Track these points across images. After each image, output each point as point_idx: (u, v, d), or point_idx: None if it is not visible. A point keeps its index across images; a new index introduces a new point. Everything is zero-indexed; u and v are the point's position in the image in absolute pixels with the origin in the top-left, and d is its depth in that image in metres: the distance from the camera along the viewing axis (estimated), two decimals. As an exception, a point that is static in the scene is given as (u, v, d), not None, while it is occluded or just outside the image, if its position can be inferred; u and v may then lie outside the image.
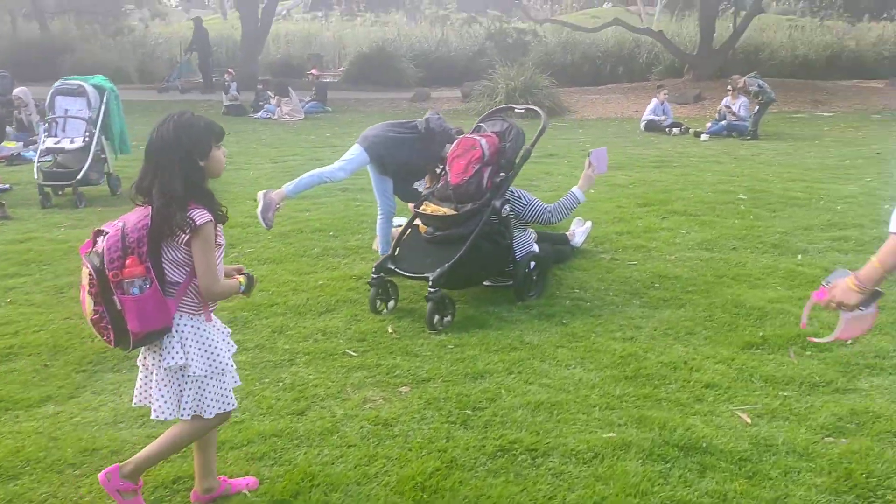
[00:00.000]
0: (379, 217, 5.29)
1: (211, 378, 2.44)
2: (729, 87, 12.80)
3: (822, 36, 23.63)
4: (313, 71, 16.41)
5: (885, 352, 3.77)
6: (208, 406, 2.44)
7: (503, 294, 4.67)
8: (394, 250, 4.59)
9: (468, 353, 3.85)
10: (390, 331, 4.16)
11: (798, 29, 24.94)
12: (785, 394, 3.37)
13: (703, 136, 12.22)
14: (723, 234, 6.01)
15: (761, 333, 4.02)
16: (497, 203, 4.42)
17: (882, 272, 1.95)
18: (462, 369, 3.66)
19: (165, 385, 2.41)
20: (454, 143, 4.64)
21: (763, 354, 3.80)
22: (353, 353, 3.87)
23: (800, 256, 5.38)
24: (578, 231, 5.65)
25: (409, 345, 3.98)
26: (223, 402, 2.48)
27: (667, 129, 13.10)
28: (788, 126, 13.85)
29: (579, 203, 4.79)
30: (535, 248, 4.87)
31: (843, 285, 2.04)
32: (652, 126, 13.30)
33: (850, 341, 3.84)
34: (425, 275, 4.23)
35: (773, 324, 4.16)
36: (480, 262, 4.46)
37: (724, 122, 12.45)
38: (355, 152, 4.94)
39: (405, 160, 4.96)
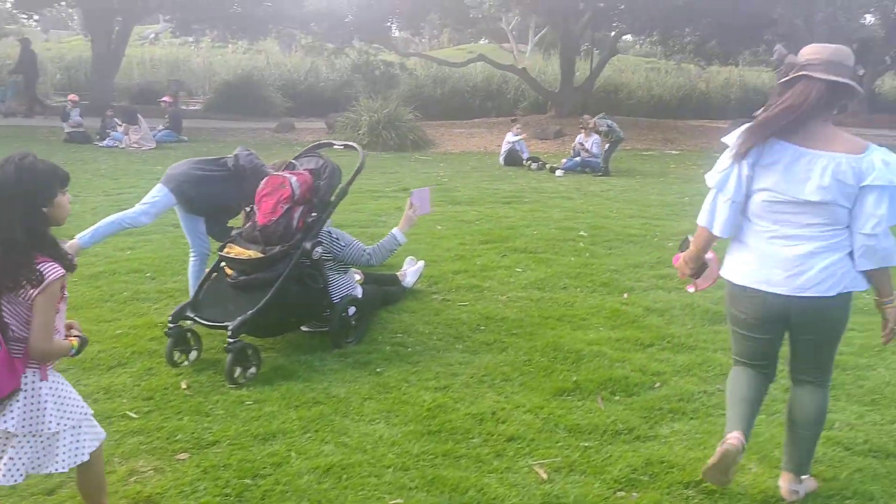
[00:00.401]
0: (191, 258, 4.89)
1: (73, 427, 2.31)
2: (581, 126, 13.22)
3: (676, 78, 25.16)
4: (166, 98, 15.55)
5: (689, 395, 3.78)
6: (80, 452, 2.35)
7: (320, 340, 4.40)
8: (196, 296, 4.22)
9: (266, 410, 3.54)
10: (184, 387, 3.78)
11: (655, 71, 26.49)
12: (586, 444, 3.27)
13: (558, 172, 12.52)
14: (558, 272, 6.01)
15: (574, 378, 3.94)
16: (308, 245, 4.16)
17: (695, 252, 2.73)
18: (254, 429, 3.35)
19: (14, 447, 2.22)
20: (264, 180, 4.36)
21: (573, 401, 3.71)
22: (134, 415, 3.47)
23: (626, 295, 5.43)
24: (410, 271, 5.47)
25: (201, 402, 3.62)
26: (91, 440, 2.40)
27: (525, 163, 13.35)
28: (639, 163, 14.46)
29: (400, 245, 4.63)
30: (357, 290, 4.65)
31: (681, 260, 2.84)
32: (511, 160, 13.49)
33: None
34: (226, 324, 3.90)
35: (588, 367, 4.10)
36: (289, 309, 4.17)
37: (578, 159, 12.81)
38: (158, 193, 4.56)
39: (215, 200, 4.62)
